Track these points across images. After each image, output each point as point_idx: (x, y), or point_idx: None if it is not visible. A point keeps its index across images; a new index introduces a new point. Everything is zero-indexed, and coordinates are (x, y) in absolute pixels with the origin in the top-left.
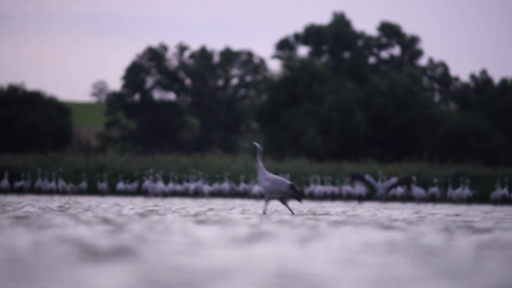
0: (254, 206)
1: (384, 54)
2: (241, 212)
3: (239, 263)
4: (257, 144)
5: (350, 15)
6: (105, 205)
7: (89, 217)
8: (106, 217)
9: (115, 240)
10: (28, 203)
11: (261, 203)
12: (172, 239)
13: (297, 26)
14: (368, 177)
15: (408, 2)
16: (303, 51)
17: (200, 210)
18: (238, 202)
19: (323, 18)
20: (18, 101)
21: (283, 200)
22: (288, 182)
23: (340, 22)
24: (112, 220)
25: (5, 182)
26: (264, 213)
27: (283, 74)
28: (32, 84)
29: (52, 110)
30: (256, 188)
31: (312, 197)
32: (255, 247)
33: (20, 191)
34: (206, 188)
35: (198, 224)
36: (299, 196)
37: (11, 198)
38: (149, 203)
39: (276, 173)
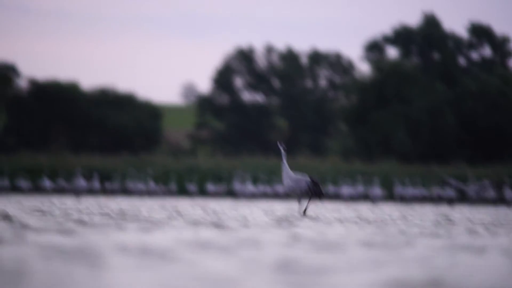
0: (369, 209)
1: (475, 55)
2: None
3: None
4: (281, 146)
5: (439, 15)
6: (233, 212)
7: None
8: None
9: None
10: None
11: (358, 205)
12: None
13: (386, 27)
14: (454, 182)
15: (498, 2)
16: (392, 52)
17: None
18: (331, 206)
19: (413, 19)
20: (109, 103)
21: (309, 197)
22: (307, 178)
23: (430, 23)
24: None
25: (96, 183)
26: (304, 214)
27: (373, 75)
28: (123, 86)
29: (143, 112)
30: (345, 190)
31: (402, 199)
32: None
33: (111, 192)
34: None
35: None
36: (320, 192)
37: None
38: (277, 208)
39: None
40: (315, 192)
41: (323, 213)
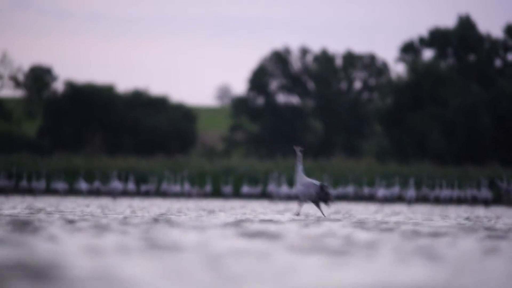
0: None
1: (511, 56)
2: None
3: None
4: (297, 149)
5: (475, 17)
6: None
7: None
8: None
9: None
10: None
11: (392, 207)
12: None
13: (421, 29)
14: (505, 185)
15: None
16: (427, 54)
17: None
18: (365, 207)
19: (448, 21)
20: (144, 105)
21: (317, 203)
22: (318, 184)
23: (465, 24)
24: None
25: (131, 186)
26: (298, 214)
27: (408, 77)
28: (158, 88)
29: (177, 114)
30: (381, 192)
31: (437, 201)
32: None
33: (146, 194)
34: (330, 191)
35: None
36: (327, 199)
37: (140, 201)
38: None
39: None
40: (322, 198)
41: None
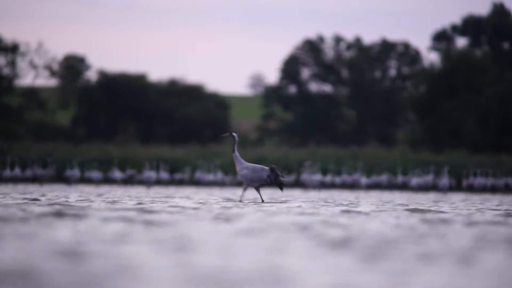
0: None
1: None
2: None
3: None
4: (234, 134)
5: (509, 5)
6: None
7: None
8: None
9: None
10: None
11: (424, 195)
12: None
13: (454, 17)
14: None
15: None
16: (461, 42)
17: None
18: (399, 195)
19: (482, 9)
20: (177, 94)
21: (258, 188)
22: (267, 167)
23: (499, 12)
24: None
25: (164, 174)
26: (241, 201)
27: (442, 65)
28: (191, 77)
29: (210, 103)
30: (414, 180)
31: (471, 189)
32: None
33: (180, 183)
34: (364, 180)
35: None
36: (281, 183)
37: (170, 190)
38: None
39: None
40: (277, 178)
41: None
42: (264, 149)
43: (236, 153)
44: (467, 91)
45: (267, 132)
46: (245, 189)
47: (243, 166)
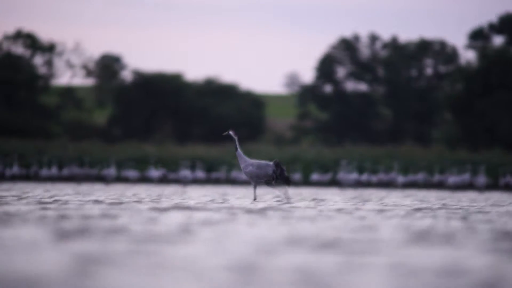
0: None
1: None
2: None
3: None
4: (231, 132)
5: None
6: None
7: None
8: None
9: None
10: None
11: (461, 194)
12: None
13: (491, 15)
14: None
15: None
16: (497, 40)
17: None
18: (435, 194)
19: None
20: (213, 93)
21: (270, 184)
22: (271, 162)
23: None
24: None
25: (200, 173)
26: (255, 199)
27: (478, 63)
28: (227, 76)
29: (246, 102)
30: (451, 179)
31: (508, 187)
32: None
33: (216, 182)
34: (400, 179)
35: None
36: (287, 178)
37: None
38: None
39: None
40: (280, 177)
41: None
42: (300, 148)
43: (239, 151)
44: (503, 90)
45: (302, 131)
46: (254, 187)
47: (248, 163)
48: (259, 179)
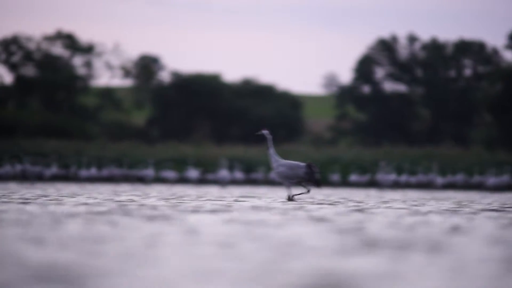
0: None
1: None
2: None
3: None
4: (265, 132)
5: None
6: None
7: None
8: None
9: None
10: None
11: (504, 195)
12: None
13: None
14: None
15: None
16: None
17: None
18: (475, 195)
19: None
20: (251, 94)
21: (303, 184)
22: (303, 164)
23: None
24: None
25: (238, 174)
26: (290, 199)
27: None
28: (265, 77)
29: (283, 102)
30: (491, 180)
31: None
32: None
33: (254, 182)
34: (439, 180)
35: None
36: (317, 180)
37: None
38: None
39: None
40: (313, 175)
41: None
42: (338, 149)
43: (271, 150)
44: None
45: (340, 132)
46: (288, 187)
47: (279, 164)
48: (289, 180)
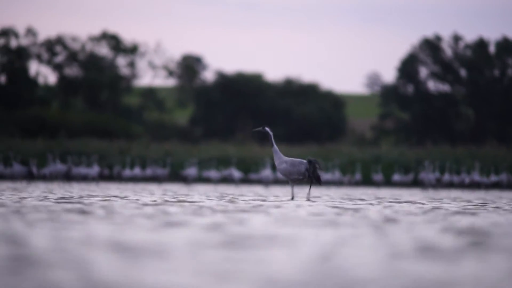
0: None
1: None
2: None
3: None
4: (267, 128)
5: None
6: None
7: None
8: None
9: None
10: None
11: None
12: None
13: None
14: None
15: None
16: None
17: None
18: None
19: None
20: (294, 93)
21: (302, 181)
22: (305, 160)
23: None
24: None
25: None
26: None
27: None
28: (308, 76)
29: (327, 102)
30: None
31: None
32: None
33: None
34: (483, 179)
35: None
36: (318, 176)
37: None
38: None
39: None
40: (313, 175)
41: None
42: (381, 148)
43: (275, 147)
44: None
45: (383, 131)
46: (292, 185)
47: (282, 160)
48: (292, 176)
